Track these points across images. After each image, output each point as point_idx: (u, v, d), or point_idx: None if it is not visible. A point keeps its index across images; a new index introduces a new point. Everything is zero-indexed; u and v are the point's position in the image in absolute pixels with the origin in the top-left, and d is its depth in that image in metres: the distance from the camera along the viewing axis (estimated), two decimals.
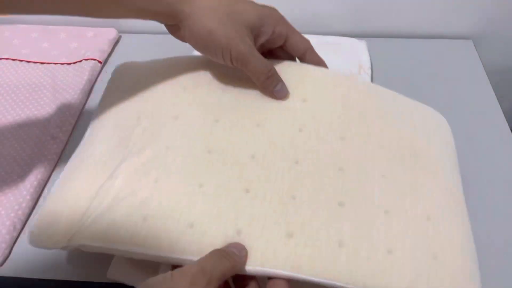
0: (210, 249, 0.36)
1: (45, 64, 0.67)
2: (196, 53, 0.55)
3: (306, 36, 0.65)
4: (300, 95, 0.47)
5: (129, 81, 0.52)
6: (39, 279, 0.44)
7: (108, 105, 0.50)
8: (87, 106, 0.62)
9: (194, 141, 0.44)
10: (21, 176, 0.52)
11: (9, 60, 0.68)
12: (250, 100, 0.47)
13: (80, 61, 0.67)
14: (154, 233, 0.38)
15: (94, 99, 0.63)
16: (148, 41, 0.72)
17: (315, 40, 0.66)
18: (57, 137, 0.56)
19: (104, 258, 0.43)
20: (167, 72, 0.52)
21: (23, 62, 0.68)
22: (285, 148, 0.43)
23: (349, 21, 0.72)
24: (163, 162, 0.42)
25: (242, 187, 0.40)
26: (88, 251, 0.39)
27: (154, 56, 0.69)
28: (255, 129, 0.45)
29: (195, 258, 0.35)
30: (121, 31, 0.74)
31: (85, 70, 0.65)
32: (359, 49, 0.65)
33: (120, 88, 0.52)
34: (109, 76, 0.66)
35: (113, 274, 0.42)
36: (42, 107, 0.60)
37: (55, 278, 0.44)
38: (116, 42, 0.73)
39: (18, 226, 0.48)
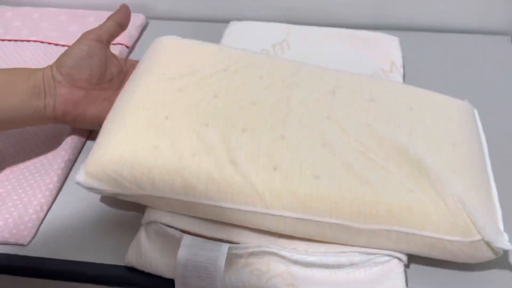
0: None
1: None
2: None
3: (335, 30, 0.64)
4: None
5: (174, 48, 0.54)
6: (64, 260, 0.44)
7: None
8: None
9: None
10: (49, 157, 0.52)
11: (37, 42, 0.68)
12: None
13: None
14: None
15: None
16: (175, 28, 0.72)
17: (344, 34, 0.65)
18: None
19: (129, 243, 0.43)
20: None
21: (51, 45, 0.68)
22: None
23: (374, 12, 0.70)
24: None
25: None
26: (128, 200, 0.44)
27: None
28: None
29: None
30: (148, 17, 0.73)
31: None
32: (391, 45, 0.63)
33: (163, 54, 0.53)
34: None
35: (130, 260, 0.42)
36: None
37: (79, 260, 0.44)
38: (144, 28, 0.72)
39: (45, 207, 0.48)
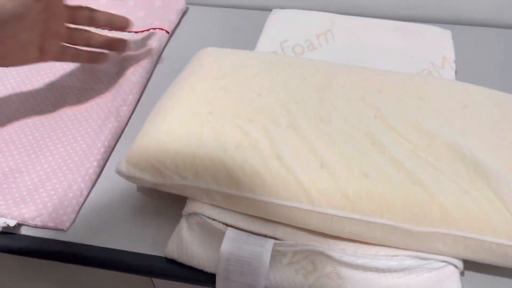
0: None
1: (112, 31, 0.66)
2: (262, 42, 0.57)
3: (382, 21, 0.61)
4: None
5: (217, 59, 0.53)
6: (103, 248, 0.43)
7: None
8: (153, 75, 0.61)
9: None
10: (88, 142, 0.51)
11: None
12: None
13: (148, 30, 0.65)
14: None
15: (161, 69, 0.62)
16: (216, 14, 0.70)
17: (393, 26, 0.62)
18: (124, 104, 0.55)
19: (168, 235, 0.42)
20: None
21: (91, 28, 0.67)
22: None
23: (424, 4, 0.66)
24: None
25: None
26: (168, 191, 0.43)
27: (221, 30, 0.67)
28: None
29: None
30: (188, 3, 0.72)
31: (153, 40, 0.63)
32: (443, 38, 0.60)
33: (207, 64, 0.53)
34: (177, 47, 0.65)
35: (171, 252, 0.41)
36: (110, 73, 0.59)
37: (117, 248, 0.43)
38: (184, 13, 0.71)
39: (85, 192, 0.47)
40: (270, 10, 0.67)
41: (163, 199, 0.46)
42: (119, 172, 0.44)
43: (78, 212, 0.46)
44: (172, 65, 0.62)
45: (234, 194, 0.41)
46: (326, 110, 0.46)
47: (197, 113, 0.46)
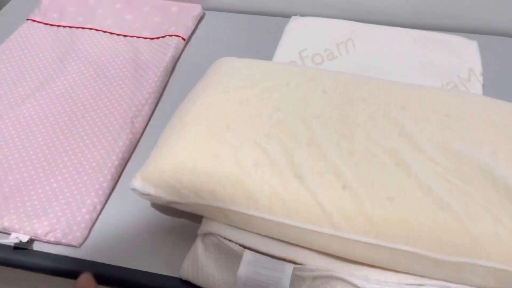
0: None
1: (127, 37, 0.65)
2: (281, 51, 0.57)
3: (405, 30, 0.59)
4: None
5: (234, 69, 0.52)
6: (118, 267, 0.42)
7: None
8: (169, 84, 0.60)
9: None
10: (102, 154, 0.50)
11: (92, 30, 0.66)
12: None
13: (164, 36, 0.64)
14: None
15: (177, 78, 0.61)
16: (232, 20, 0.68)
17: (416, 36, 0.60)
18: (139, 115, 0.54)
19: (183, 254, 0.41)
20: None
21: (106, 33, 0.66)
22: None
23: (448, 13, 0.64)
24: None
25: None
26: (183, 209, 0.42)
27: (238, 37, 0.65)
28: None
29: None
30: (204, 8, 0.70)
31: (169, 47, 0.62)
32: (469, 49, 0.57)
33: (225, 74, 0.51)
34: (193, 55, 0.63)
35: (186, 273, 0.40)
36: (124, 82, 0.58)
37: (131, 267, 0.42)
38: (200, 19, 0.69)
39: (98, 207, 0.46)
40: (288, 17, 0.65)
41: (178, 216, 0.45)
42: (133, 189, 0.43)
43: (91, 228, 0.45)
44: (188, 73, 0.61)
45: (252, 215, 0.39)
46: (348, 127, 0.44)
47: (214, 127, 0.44)
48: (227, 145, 0.43)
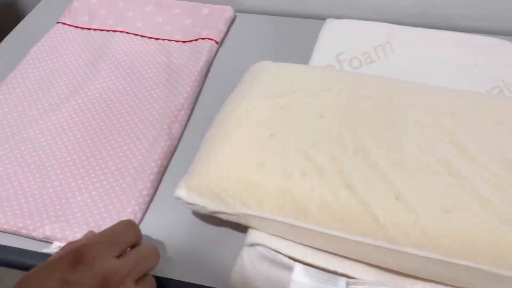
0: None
1: (159, 40, 0.64)
2: (317, 54, 0.57)
3: (446, 33, 0.58)
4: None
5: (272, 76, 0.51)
6: (160, 277, 0.41)
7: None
8: (203, 88, 0.59)
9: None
10: (140, 161, 0.49)
11: (123, 33, 0.65)
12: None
13: (197, 39, 0.63)
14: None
15: (211, 82, 0.59)
16: (265, 22, 0.67)
17: (456, 38, 0.58)
18: (176, 120, 0.53)
19: (227, 265, 0.40)
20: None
21: (137, 36, 0.65)
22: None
23: (492, 15, 0.62)
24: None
25: None
26: (227, 219, 0.41)
27: (272, 40, 0.64)
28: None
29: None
30: (236, 10, 0.69)
31: (203, 50, 0.61)
32: None
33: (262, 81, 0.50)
34: (226, 58, 0.62)
35: (233, 286, 0.39)
36: (158, 86, 0.57)
37: (175, 278, 0.41)
38: (231, 21, 0.68)
39: (139, 215, 0.45)
40: (322, 19, 0.64)
41: (222, 225, 0.44)
42: (178, 198, 0.42)
43: None
44: (222, 77, 0.60)
45: (302, 226, 0.38)
46: (396, 134, 0.43)
47: (258, 135, 0.43)
48: (272, 153, 0.42)
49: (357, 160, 0.41)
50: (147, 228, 0.45)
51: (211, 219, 0.44)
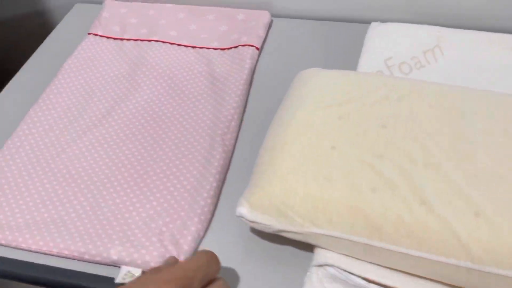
0: None
1: (196, 49, 0.63)
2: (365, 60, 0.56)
3: (499, 35, 0.56)
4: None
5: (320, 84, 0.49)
6: None
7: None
8: (249, 97, 0.57)
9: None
10: (196, 176, 0.48)
11: (159, 42, 0.63)
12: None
13: (236, 47, 0.61)
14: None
15: (256, 90, 0.58)
16: (304, 27, 0.65)
17: (507, 40, 0.56)
18: (228, 131, 0.51)
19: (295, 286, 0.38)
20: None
21: (173, 45, 0.63)
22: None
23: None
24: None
25: None
26: (292, 238, 0.40)
27: (312, 45, 0.62)
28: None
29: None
30: (272, 15, 0.67)
31: (245, 58, 0.59)
32: None
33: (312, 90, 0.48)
34: (268, 65, 0.61)
35: None
36: (203, 96, 0.56)
37: None
38: (268, 26, 0.66)
39: (201, 233, 0.44)
40: (364, 23, 0.62)
41: (285, 244, 0.43)
42: (240, 216, 0.40)
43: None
44: (266, 85, 0.58)
45: (376, 245, 0.37)
46: (465, 144, 0.41)
47: (318, 147, 0.42)
48: (337, 167, 0.40)
49: (428, 173, 0.39)
50: (209, 246, 0.43)
51: (273, 236, 0.42)
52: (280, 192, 0.39)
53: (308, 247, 0.41)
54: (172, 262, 0.38)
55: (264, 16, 0.65)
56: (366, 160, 0.40)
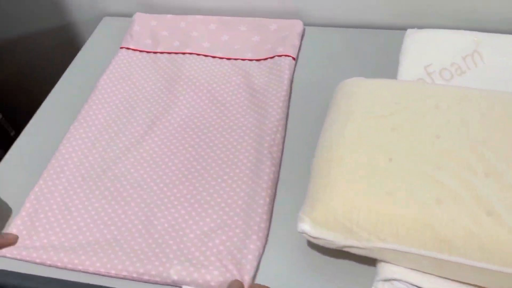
0: None
1: (231, 60, 0.62)
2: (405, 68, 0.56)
3: (509, 37, 0.56)
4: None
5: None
6: None
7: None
8: (290, 109, 0.56)
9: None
10: (246, 190, 0.47)
11: (193, 54, 0.63)
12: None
13: (272, 57, 0.61)
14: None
15: (296, 101, 0.57)
16: (336, 35, 0.65)
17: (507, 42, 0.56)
18: (274, 144, 0.51)
19: None
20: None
21: (208, 57, 0.63)
22: None
23: None
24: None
25: None
26: (356, 253, 0.39)
27: (346, 54, 0.62)
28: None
29: None
30: (304, 24, 0.66)
31: (283, 68, 0.59)
32: None
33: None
34: (305, 75, 0.60)
35: None
36: (243, 108, 0.55)
37: None
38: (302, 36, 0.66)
39: (261, 251, 0.43)
40: (396, 29, 0.62)
41: (343, 257, 0.42)
42: (302, 232, 0.40)
43: (255, 275, 0.42)
44: (305, 95, 0.58)
45: (445, 259, 0.36)
46: None
47: (376, 160, 0.41)
48: (397, 180, 0.40)
49: (490, 182, 0.39)
50: (268, 265, 0.43)
51: (332, 250, 0.42)
52: (344, 208, 0.39)
53: (369, 261, 0.41)
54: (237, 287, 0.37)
55: (297, 26, 0.64)
56: (424, 171, 0.40)
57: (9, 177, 0.53)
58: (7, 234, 0.45)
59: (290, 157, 0.51)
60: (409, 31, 0.61)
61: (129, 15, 0.71)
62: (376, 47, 0.62)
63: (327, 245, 0.40)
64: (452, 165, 0.40)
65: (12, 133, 0.78)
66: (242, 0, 0.68)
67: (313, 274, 0.42)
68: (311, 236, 0.40)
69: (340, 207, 0.39)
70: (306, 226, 0.40)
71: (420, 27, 0.61)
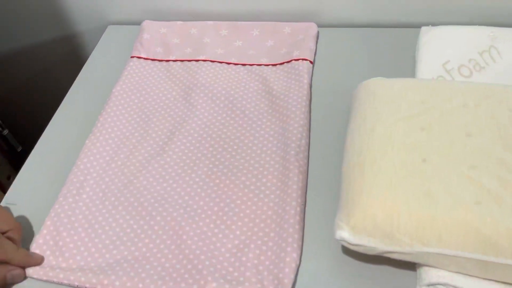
0: None
1: (247, 66, 0.61)
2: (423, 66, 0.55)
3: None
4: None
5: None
6: None
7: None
8: (312, 114, 0.55)
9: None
10: (275, 200, 0.46)
11: (207, 62, 0.62)
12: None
13: (289, 61, 0.60)
14: None
15: (316, 105, 0.56)
16: (350, 35, 0.64)
17: None
18: (300, 151, 0.49)
19: None
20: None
21: (223, 64, 0.61)
22: None
23: None
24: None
25: None
26: (398, 259, 0.38)
27: (362, 53, 0.61)
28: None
29: None
30: (318, 25, 0.65)
31: (302, 73, 0.57)
32: None
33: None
34: (323, 77, 0.59)
35: None
36: (263, 115, 0.54)
37: None
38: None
39: (298, 262, 0.42)
40: (413, 27, 0.61)
41: (380, 263, 0.41)
42: (342, 239, 0.39)
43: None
44: (324, 98, 0.57)
45: (491, 261, 0.35)
46: None
47: (409, 162, 0.40)
48: (434, 181, 0.39)
49: None
50: (303, 274, 0.42)
51: (369, 256, 0.40)
52: (383, 213, 0.38)
53: (409, 265, 0.40)
54: None
55: (311, 28, 0.63)
56: (460, 171, 0.39)
57: (24, 194, 0.51)
58: (35, 253, 0.43)
59: (315, 162, 0.50)
60: (423, 29, 0.60)
61: (134, 23, 0.70)
62: (390, 45, 0.61)
63: (367, 252, 0.39)
64: (487, 164, 0.39)
65: (19, 149, 0.76)
66: (250, 3, 0.67)
67: (351, 281, 0.41)
68: (350, 244, 0.39)
69: (379, 212, 0.38)
70: (345, 234, 0.39)
71: (434, 24, 0.60)
